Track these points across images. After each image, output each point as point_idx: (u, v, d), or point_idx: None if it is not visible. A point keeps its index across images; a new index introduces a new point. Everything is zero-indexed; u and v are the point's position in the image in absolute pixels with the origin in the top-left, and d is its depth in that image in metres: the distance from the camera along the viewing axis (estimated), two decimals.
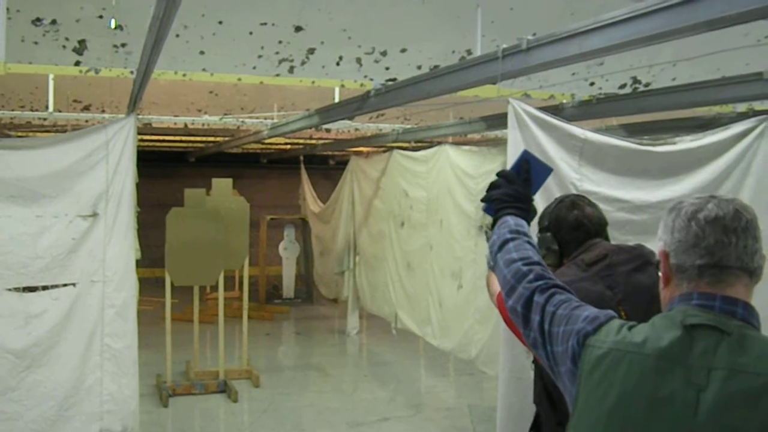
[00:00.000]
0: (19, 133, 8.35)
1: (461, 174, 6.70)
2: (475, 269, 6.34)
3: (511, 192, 2.04)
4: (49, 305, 4.55)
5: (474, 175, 6.45)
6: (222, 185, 7.30)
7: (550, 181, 3.89)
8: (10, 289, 4.49)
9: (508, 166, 2.28)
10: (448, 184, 6.91)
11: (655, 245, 1.70)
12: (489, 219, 2.15)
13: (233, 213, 7.09)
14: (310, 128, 6.96)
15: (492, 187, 2.10)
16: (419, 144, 9.41)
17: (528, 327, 1.77)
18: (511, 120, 3.94)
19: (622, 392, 1.53)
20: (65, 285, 4.56)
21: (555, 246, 2.73)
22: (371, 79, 5.03)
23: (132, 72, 4.37)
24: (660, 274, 1.67)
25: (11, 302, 4.48)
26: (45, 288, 4.54)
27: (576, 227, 2.73)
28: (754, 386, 1.44)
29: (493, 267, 1.98)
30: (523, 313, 1.79)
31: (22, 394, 4.53)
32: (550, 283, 1.80)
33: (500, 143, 7.01)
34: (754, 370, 1.46)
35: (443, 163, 7.05)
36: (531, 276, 1.82)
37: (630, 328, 1.61)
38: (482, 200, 2.11)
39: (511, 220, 1.99)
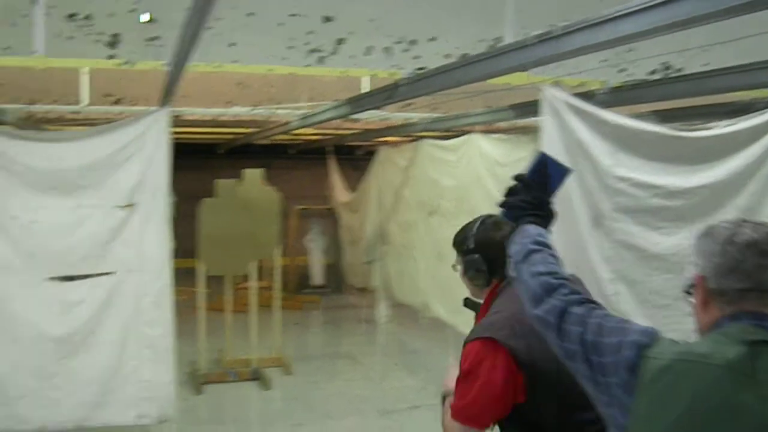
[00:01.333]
0: (53, 127, 8.46)
1: (491, 162, 6.71)
2: None
3: (530, 199, 2.04)
4: (87, 294, 4.65)
5: (504, 162, 6.45)
6: (253, 176, 7.34)
7: (584, 168, 3.89)
8: (50, 278, 4.58)
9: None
10: (478, 172, 6.91)
11: (689, 270, 1.71)
12: None
13: (264, 203, 7.15)
14: (340, 118, 6.98)
15: (510, 192, 2.08)
16: (447, 133, 9.40)
17: (564, 338, 1.77)
18: (544, 107, 3.94)
19: (691, 401, 1.53)
20: (103, 274, 4.65)
21: (484, 267, 2.67)
22: (401, 69, 5.04)
23: (165, 65, 4.42)
24: (694, 298, 1.69)
25: (51, 291, 4.58)
26: (83, 277, 4.63)
27: (503, 247, 2.74)
28: None
29: (514, 278, 1.98)
30: (556, 323, 1.79)
31: (62, 380, 4.63)
32: (585, 297, 1.83)
33: (529, 131, 6.99)
34: None
35: (473, 151, 7.05)
36: (564, 290, 1.83)
37: (683, 343, 1.63)
38: (500, 206, 2.10)
39: (532, 230, 1.98)
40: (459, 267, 2.70)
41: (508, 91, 5.62)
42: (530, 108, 5.50)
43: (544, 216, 2.04)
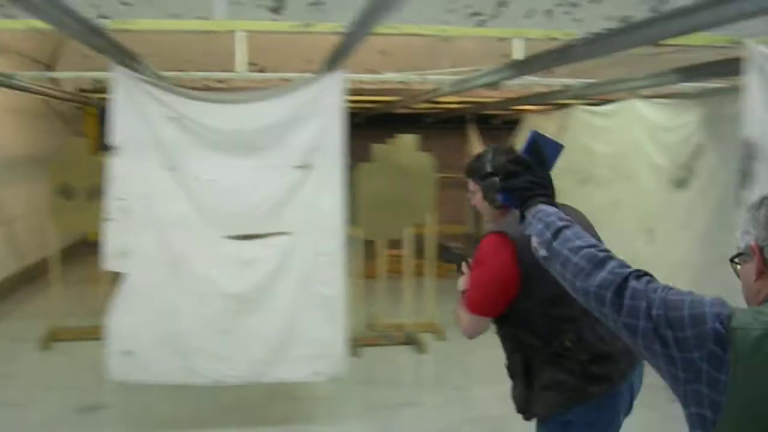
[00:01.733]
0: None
1: (652, 127, 6.50)
2: (668, 224, 6.20)
3: (534, 179, 2.02)
4: (263, 253, 4.77)
5: (668, 127, 6.25)
6: (407, 141, 7.34)
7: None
8: (228, 237, 4.74)
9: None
10: (637, 138, 6.72)
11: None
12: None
13: (419, 168, 7.14)
14: (498, 83, 6.86)
15: (509, 175, 2.05)
16: (594, 100, 9.13)
17: (625, 314, 1.69)
18: (749, 64, 3.75)
19: None
20: (279, 234, 4.77)
21: None
22: (564, 31, 4.93)
23: (346, 27, 4.46)
24: (748, 267, 1.69)
25: (229, 250, 4.73)
26: (261, 236, 4.77)
27: None
28: None
29: (547, 257, 1.91)
30: (613, 298, 1.71)
31: (237, 336, 4.77)
32: (637, 270, 1.75)
33: (688, 96, 6.70)
34: None
35: (631, 117, 6.86)
36: (613, 263, 1.76)
37: (760, 311, 1.61)
38: (500, 189, 2.10)
39: (549, 209, 1.95)
40: (476, 194, 2.93)
41: (676, 54, 5.41)
42: (700, 71, 5.29)
43: (550, 195, 2.02)
